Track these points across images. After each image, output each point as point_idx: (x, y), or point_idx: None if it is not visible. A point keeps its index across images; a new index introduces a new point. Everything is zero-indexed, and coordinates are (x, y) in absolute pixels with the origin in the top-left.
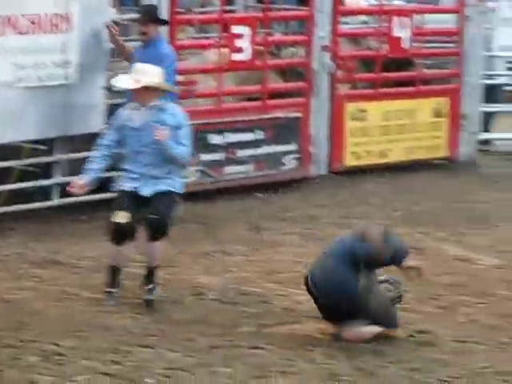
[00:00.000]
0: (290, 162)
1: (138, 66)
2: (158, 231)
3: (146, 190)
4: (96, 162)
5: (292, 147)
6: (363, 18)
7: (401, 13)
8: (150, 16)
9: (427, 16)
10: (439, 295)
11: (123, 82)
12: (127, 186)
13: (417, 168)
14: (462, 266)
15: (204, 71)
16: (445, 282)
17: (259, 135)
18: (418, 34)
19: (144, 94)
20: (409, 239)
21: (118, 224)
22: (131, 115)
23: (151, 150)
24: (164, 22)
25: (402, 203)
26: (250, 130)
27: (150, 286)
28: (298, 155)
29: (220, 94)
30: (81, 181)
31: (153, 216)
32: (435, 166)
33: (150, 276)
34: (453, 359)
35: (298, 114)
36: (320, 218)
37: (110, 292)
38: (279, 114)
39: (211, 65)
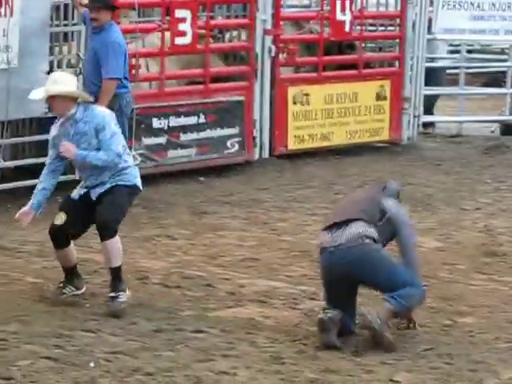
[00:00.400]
0: (232, 146)
1: (52, 75)
2: (102, 231)
3: (93, 195)
4: (41, 182)
5: (235, 131)
6: (305, 1)
7: None
8: (102, 2)
9: None
10: None
11: (35, 93)
12: (75, 192)
13: (359, 151)
14: None
15: (147, 55)
16: None
17: (202, 119)
18: (360, 17)
19: (57, 104)
20: None
21: (53, 225)
22: (55, 128)
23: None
24: (115, 8)
25: (345, 186)
26: (193, 114)
27: (112, 293)
28: (240, 139)
29: (162, 77)
30: (26, 208)
31: (97, 218)
32: (378, 148)
33: (113, 281)
34: (396, 342)
35: (241, 98)
36: (263, 202)
37: (60, 288)
38: (222, 97)
39: (154, 49)
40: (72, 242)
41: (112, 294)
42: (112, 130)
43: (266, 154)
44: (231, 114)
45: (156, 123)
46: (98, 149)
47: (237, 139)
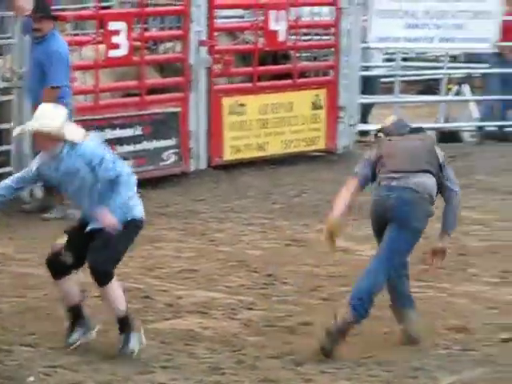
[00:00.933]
0: (169, 158)
1: (39, 109)
2: (96, 280)
3: (89, 225)
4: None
5: (171, 142)
6: (239, 12)
7: (277, 6)
8: (45, 12)
9: (305, 8)
10: (321, 287)
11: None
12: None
13: (295, 160)
14: (342, 257)
15: (81, 68)
16: (326, 273)
17: (138, 131)
18: (294, 26)
19: (38, 140)
20: (290, 232)
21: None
22: (41, 159)
23: (77, 194)
24: (56, 17)
25: (281, 196)
26: (129, 126)
27: (123, 335)
28: (177, 150)
29: (97, 90)
30: None
31: (90, 266)
32: (314, 158)
33: (119, 324)
34: (335, 350)
35: (177, 110)
36: (200, 213)
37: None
38: (157, 109)
39: (88, 61)
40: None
41: (123, 336)
42: (109, 156)
43: (202, 165)
44: (167, 126)
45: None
46: (96, 182)
47: (173, 151)
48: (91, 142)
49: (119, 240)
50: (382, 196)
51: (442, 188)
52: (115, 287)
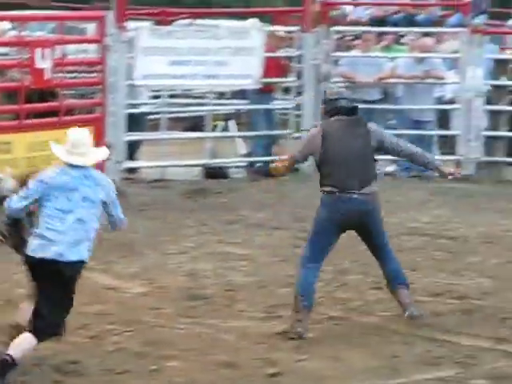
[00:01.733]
0: None
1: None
2: None
3: None
4: None
5: None
6: (4, 49)
7: (42, 44)
8: None
9: (72, 46)
10: (87, 324)
11: None
12: None
13: None
14: (109, 295)
15: None
16: (93, 311)
17: None
18: (61, 64)
19: None
20: None
21: None
22: None
23: None
24: None
25: None
26: None
27: None
28: None
29: None
30: None
31: None
32: None
33: None
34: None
35: None
36: None
37: None
38: None
39: None
40: None
41: None
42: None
43: None
44: None
45: None
46: None
47: None
48: None
49: None
50: (349, 207)
51: (389, 151)
52: None
